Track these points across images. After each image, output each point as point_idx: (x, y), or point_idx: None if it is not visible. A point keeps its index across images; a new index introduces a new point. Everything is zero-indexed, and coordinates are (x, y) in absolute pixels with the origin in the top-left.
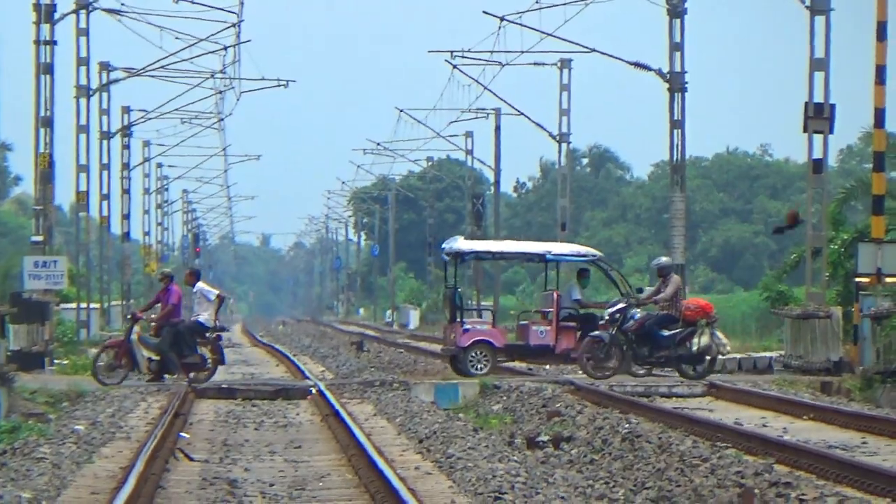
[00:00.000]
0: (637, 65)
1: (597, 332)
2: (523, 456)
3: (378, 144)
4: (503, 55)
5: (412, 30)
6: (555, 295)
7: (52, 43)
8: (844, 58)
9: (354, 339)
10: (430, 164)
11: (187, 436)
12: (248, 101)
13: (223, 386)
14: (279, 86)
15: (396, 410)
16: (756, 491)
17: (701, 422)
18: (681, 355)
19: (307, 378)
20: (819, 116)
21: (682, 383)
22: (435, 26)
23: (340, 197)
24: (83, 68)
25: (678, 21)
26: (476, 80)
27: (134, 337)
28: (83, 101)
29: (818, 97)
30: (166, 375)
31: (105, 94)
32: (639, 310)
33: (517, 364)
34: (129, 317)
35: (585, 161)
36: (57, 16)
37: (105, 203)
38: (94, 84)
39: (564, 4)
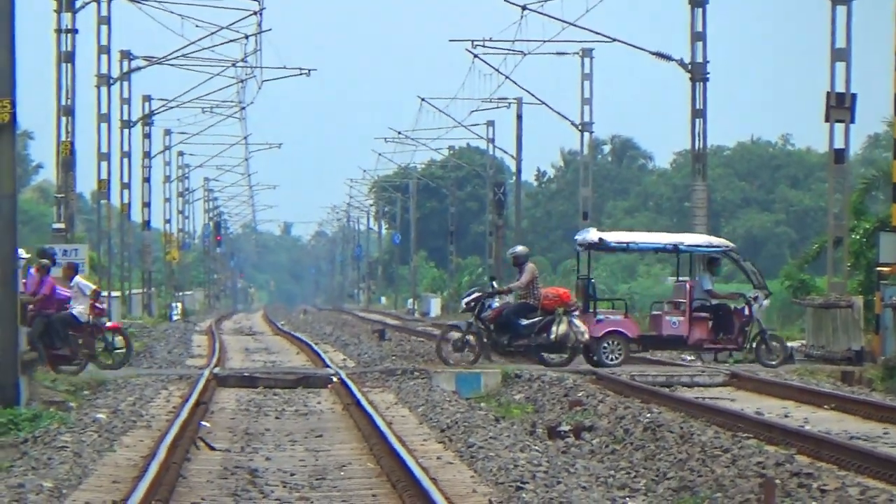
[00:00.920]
0: (659, 55)
1: (455, 322)
2: (545, 445)
3: (400, 133)
4: (525, 44)
5: (434, 19)
6: (688, 285)
7: (73, 31)
8: (869, 47)
9: (376, 327)
10: (451, 152)
11: (208, 424)
12: (270, 89)
13: (244, 374)
14: (301, 74)
15: (418, 399)
16: (777, 482)
17: (722, 412)
18: (540, 344)
19: (328, 367)
20: (840, 106)
21: (703, 373)
22: (456, 15)
23: (362, 185)
24: (104, 57)
25: (700, 10)
26: (497, 70)
27: None
28: (104, 89)
29: (840, 87)
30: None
31: (126, 83)
32: (497, 298)
33: (648, 354)
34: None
35: (607, 149)
36: (78, 4)
37: (126, 191)
38: (115, 73)
39: None
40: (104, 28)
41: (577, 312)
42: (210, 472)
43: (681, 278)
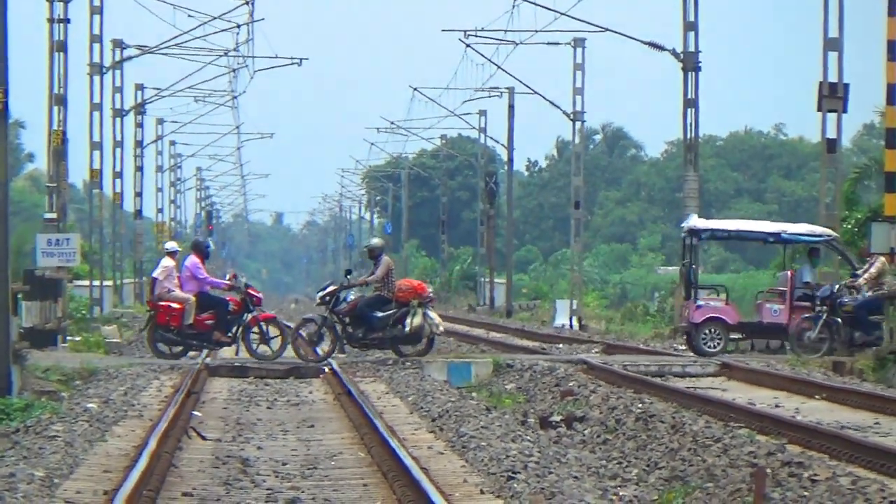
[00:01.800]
0: (651, 44)
1: (309, 315)
2: (536, 435)
3: (392, 123)
4: (517, 34)
5: (426, 8)
6: (789, 274)
7: (66, 20)
8: (861, 36)
9: None
10: (443, 142)
11: (200, 414)
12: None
13: (236, 364)
14: (292, 64)
15: (409, 389)
16: (768, 471)
17: (714, 402)
18: (395, 336)
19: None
20: (833, 96)
21: (695, 362)
22: (449, 5)
23: (354, 175)
24: (96, 46)
25: (692, 0)
26: (489, 60)
27: None
28: (96, 78)
29: (832, 76)
30: None
31: (118, 72)
32: (353, 291)
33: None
34: None
35: (599, 139)
36: None
37: (118, 180)
38: (108, 62)
39: None
40: (97, 17)
41: (432, 304)
42: (201, 461)
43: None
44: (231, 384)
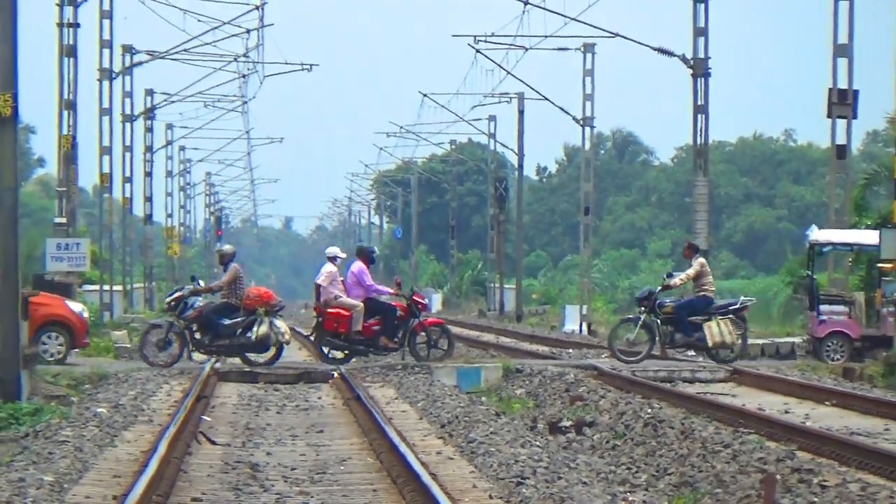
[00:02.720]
0: (661, 50)
1: (156, 321)
2: (545, 441)
3: (401, 128)
4: (526, 40)
5: (436, 14)
6: None
7: (76, 25)
8: (870, 43)
9: None
10: (453, 147)
11: (209, 419)
12: (272, 84)
13: (245, 369)
14: (302, 69)
15: (418, 394)
16: (778, 477)
17: (723, 407)
18: (242, 343)
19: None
20: (842, 102)
21: (704, 368)
22: (459, 11)
23: (363, 180)
24: (106, 51)
25: (702, 6)
26: (499, 65)
27: None
28: (106, 83)
29: (842, 83)
30: None
31: (128, 77)
32: (200, 298)
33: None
34: None
35: (609, 144)
36: None
37: (128, 185)
38: (117, 67)
39: None
40: (106, 22)
41: (279, 313)
42: (211, 466)
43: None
44: (240, 389)
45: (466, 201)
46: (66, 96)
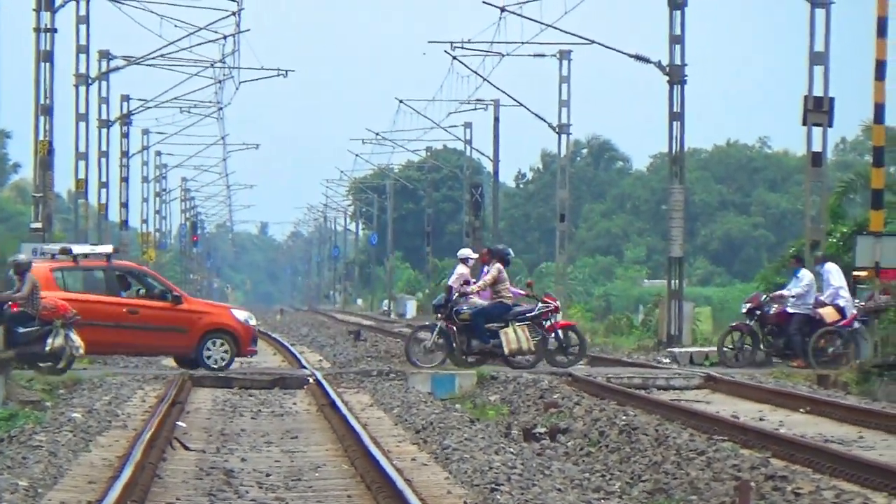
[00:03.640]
0: (637, 57)
1: None
2: (520, 447)
3: (377, 134)
4: (503, 46)
5: (412, 20)
6: None
7: (53, 31)
8: (844, 51)
9: (352, 328)
10: (428, 154)
11: (184, 425)
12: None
13: (220, 374)
14: (278, 75)
15: (393, 400)
16: (752, 484)
17: (698, 414)
18: (34, 353)
19: (304, 367)
20: (818, 110)
21: (679, 375)
22: (435, 17)
23: (339, 186)
24: (83, 56)
25: (679, 13)
26: (475, 72)
27: None
28: (83, 89)
29: (818, 90)
30: None
31: (104, 83)
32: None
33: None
34: None
35: (585, 152)
36: (57, 3)
37: (104, 191)
38: (94, 72)
39: None
40: (83, 27)
41: (73, 325)
42: (186, 472)
43: None
44: (215, 394)
45: (442, 208)
46: (42, 101)
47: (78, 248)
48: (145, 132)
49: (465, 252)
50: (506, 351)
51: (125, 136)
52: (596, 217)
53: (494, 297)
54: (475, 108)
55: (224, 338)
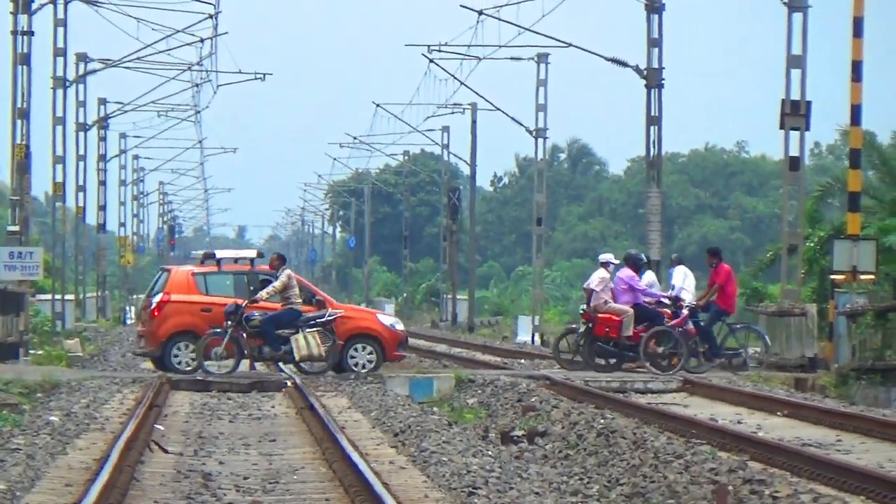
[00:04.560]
0: (614, 60)
1: None
2: (498, 451)
3: (355, 138)
4: (480, 49)
5: (389, 23)
6: None
7: (30, 33)
8: (822, 55)
9: None
10: (406, 158)
11: (162, 427)
12: (225, 93)
13: (198, 377)
14: (256, 79)
15: (371, 404)
16: (730, 488)
17: (676, 418)
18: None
19: (282, 371)
20: (795, 113)
21: (657, 378)
22: (413, 20)
23: (317, 190)
24: (60, 59)
25: (656, 17)
26: (453, 76)
27: None
28: (60, 92)
29: (795, 94)
30: None
31: (82, 86)
32: None
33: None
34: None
35: (563, 156)
36: (34, 5)
37: (81, 194)
38: (71, 75)
39: None
40: (60, 30)
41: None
42: (163, 475)
43: None
44: (193, 397)
45: (419, 211)
46: (19, 105)
47: (222, 253)
48: (123, 136)
49: (607, 256)
50: (297, 357)
51: (103, 139)
52: (573, 220)
53: (284, 303)
54: (452, 112)
55: (369, 342)
